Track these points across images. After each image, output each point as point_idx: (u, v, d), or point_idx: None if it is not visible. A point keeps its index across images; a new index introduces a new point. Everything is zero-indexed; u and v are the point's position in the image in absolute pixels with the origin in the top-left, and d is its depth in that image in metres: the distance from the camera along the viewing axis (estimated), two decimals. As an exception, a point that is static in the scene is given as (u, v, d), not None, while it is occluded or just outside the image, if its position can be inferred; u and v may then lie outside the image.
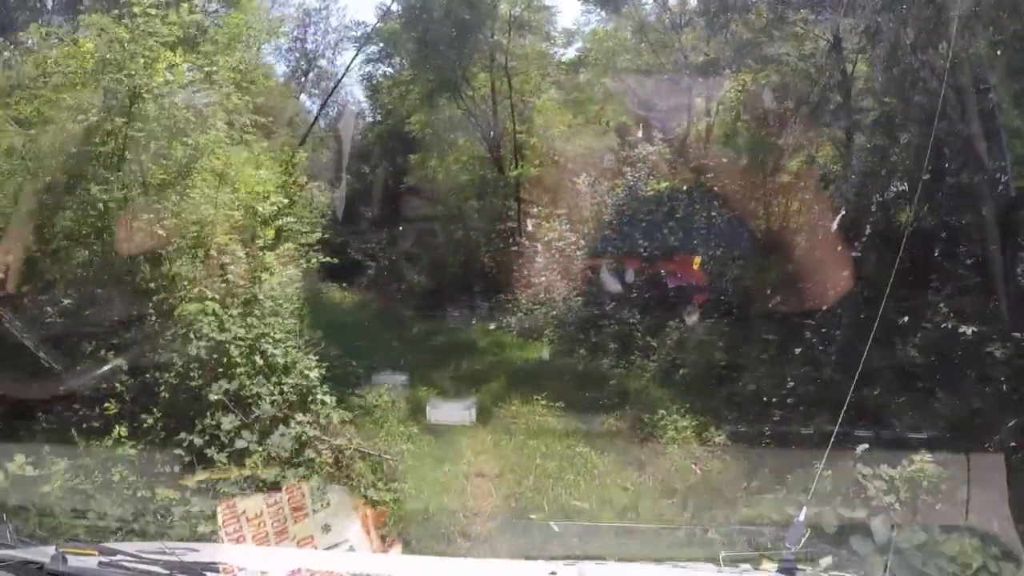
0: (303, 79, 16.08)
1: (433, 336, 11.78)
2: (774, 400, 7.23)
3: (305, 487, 4.80)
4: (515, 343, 11.05)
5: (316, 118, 15.93)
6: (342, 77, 15.91)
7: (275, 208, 8.06)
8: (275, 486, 5.15)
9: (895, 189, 8.59)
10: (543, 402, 8.05)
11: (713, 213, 10.30)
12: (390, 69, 15.73)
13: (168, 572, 2.69)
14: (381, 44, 15.27)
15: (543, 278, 11.91)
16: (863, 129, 9.32)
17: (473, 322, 12.31)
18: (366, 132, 16.96)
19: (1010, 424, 5.91)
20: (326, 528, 4.65)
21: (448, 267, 13.94)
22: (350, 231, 14.71)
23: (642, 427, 7.26)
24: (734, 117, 11.41)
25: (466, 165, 14.54)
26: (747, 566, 3.10)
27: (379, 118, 16.91)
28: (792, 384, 7.22)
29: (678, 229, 10.61)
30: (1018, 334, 6.49)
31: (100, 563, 2.75)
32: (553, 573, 2.89)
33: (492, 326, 11.93)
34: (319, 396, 6.33)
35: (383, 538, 5.00)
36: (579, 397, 8.14)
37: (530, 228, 12.73)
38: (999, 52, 7.24)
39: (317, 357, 6.82)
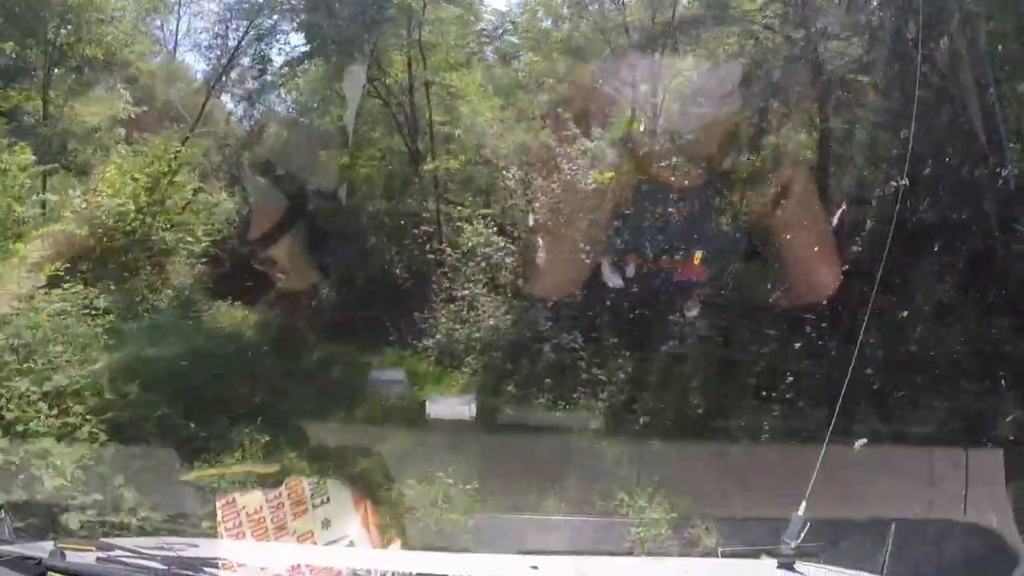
0: (214, 69, 13.75)
1: (331, 367, 9.55)
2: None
3: (305, 482, 4.61)
4: (430, 374, 8.98)
5: (203, 109, 13.45)
6: (231, 59, 13.51)
7: (19, 213, 5.56)
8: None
9: (894, 184, 7.52)
10: (450, 480, 5.79)
11: (670, 208, 8.36)
12: (286, 47, 13.40)
13: (166, 567, 2.64)
14: (275, 18, 12.96)
15: (466, 291, 9.94)
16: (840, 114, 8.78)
17: (384, 347, 10.16)
18: (271, 126, 14.81)
19: (1008, 419, 5.91)
20: (326, 524, 4.54)
21: (360, 280, 11.77)
22: (257, 239, 12.59)
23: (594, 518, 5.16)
24: (686, 98, 9.77)
25: (381, 161, 12.50)
26: (745, 560, 3.14)
27: (288, 109, 14.81)
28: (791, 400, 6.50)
29: (624, 229, 8.76)
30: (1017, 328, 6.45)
31: (98, 559, 2.69)
32: (535, 567, 2.86)
33: (406, 351, 9.85)
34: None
35: (383, 534, 4.86)
36: (500, 463, 5.95)
37: (451, 232, 10.76)
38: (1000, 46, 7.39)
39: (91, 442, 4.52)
